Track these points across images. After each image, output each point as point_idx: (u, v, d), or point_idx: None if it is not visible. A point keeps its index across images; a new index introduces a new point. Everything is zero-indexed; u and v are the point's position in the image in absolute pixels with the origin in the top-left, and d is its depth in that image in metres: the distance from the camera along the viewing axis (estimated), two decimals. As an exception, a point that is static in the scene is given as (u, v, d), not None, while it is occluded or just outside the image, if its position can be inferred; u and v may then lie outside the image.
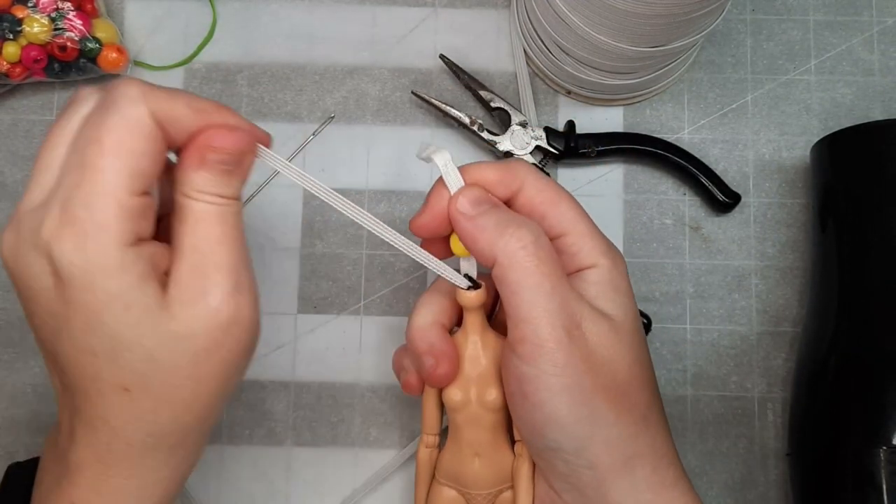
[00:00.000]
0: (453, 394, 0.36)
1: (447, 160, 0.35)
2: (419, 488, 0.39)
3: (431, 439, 0.38)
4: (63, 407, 0.32)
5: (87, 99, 0.30)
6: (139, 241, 0.29)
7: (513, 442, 0.37)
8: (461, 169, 0.35)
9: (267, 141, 0.32)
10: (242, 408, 0.45)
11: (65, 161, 0.29)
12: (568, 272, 0.34)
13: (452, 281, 0.35)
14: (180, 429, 0.31)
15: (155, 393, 0.29)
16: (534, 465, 0.36)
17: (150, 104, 0.28)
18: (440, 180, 0.35)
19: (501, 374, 0.35)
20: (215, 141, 0.30)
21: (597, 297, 0.34)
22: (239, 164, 0.31)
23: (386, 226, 0.34)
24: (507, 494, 0.37)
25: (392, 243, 0.34)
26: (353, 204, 0.33)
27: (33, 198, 0.29)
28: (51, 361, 0.31)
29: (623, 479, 0.32)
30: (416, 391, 0.37)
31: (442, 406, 0.38)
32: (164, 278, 0.29)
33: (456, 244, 0.35)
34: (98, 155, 0.27)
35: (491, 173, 0.35)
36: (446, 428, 0.38)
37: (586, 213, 0.35)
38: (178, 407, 0.30)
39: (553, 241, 0.34)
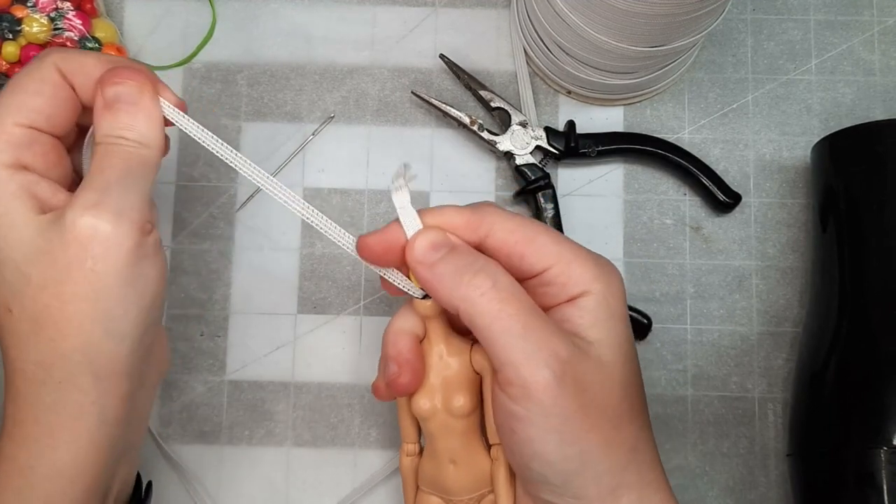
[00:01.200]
0: (421, 403, 0.36)
1: (405, 202, 0.33)
2: (407, 496, 0.39)
3: (411, 447, 0.38)
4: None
5: None
6: (23, 168, 0.32)
7: (488, 445, 0.37)
8: (425, 211, 0.34)
9: (169, 96, 0.35)
10: (242, 408, 0.45)
11: None
12: (560, 302, 0.33)
13: (405, 290, 0.35)
14: (60, 358, 0.31)
15: (29, 313, 0.31)
16: (511, 470, 0.35)
17: (58, 60, 0.33)
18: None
19: (491, 404, 0.34)
20: (110, 77, 0.33)
21: (592, 326, 0.32)
22: (135, 103, 0.33)
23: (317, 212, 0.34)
24: (490, 499, 0.37)
25: (322, 230, 0.34)
26: (241, 158, 0.36)
27: None
28: None
29: None
30: (383, 397, 0.37)
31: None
32: (47, 207, 0.32)
33: (414, 278, 0.34)
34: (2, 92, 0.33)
35: (456, 217, 0.34)
36: None
37: (568, 240, 0.34)
38: (51, 329, 0.31)
39: (539, 276, 0.33)
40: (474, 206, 0.34)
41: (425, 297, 0.35)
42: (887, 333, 0.39)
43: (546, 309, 0.33)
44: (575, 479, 0.32)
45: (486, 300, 0.31)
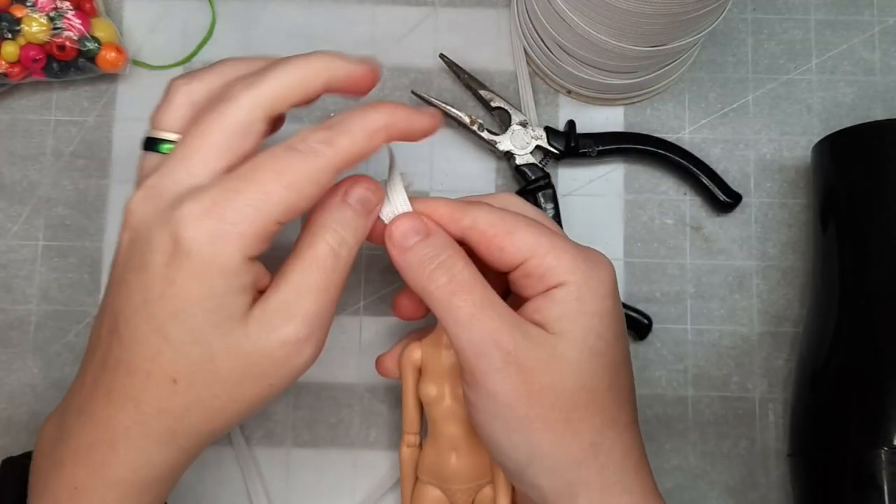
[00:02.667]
0: (429, 389, 0.37)
1: (398, 185, 0.35)
2: (404, 487, 0.39)
3: (412, 438, 0.39)
4: (82, 386, 0.32)
5: (247, 95, 0.31)
6: (255, 258, 0.30)
7: None
8: (414, 200, 0.35)
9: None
10: (242, 408, 0.45)
11: (241, 166, 0.30)
12: (537, 293, 0.33)
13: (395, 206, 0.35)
14: (196, 435, 0.32)
15: (196, 394, 0.30)
16: None
17: (338, 159, 0.31)
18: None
19: None
20: (362, 181, 0.33)
21: (558, 319, 0.33)
22: (370, 212, 0.33)
23: None
24: (488, 489, 0.38)
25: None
26: None
27: (179, 179, 0.30)
28: (105, 332, 0.31)
29: (566, 502, 0.32)
30: (409, 312, 0.38)
31: (420, 403, 0.39)
32: (257, 295, 0.31)
33: None
34: (269, 177, 0.30)
35: (442, 209, 0.35)
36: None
37: (550, 233, 0.34)
38: (206, 414, 0.31)
39: (519, 268, 0.34)
40: (460, 200, 0.35)
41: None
42: (888, 333, 0.39)
43: (525, 299, 0.34)
44: (526, 468, 0.32)
45: (440, 293, 0.33)
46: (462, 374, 0.33)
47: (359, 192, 0.33)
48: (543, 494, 0.33)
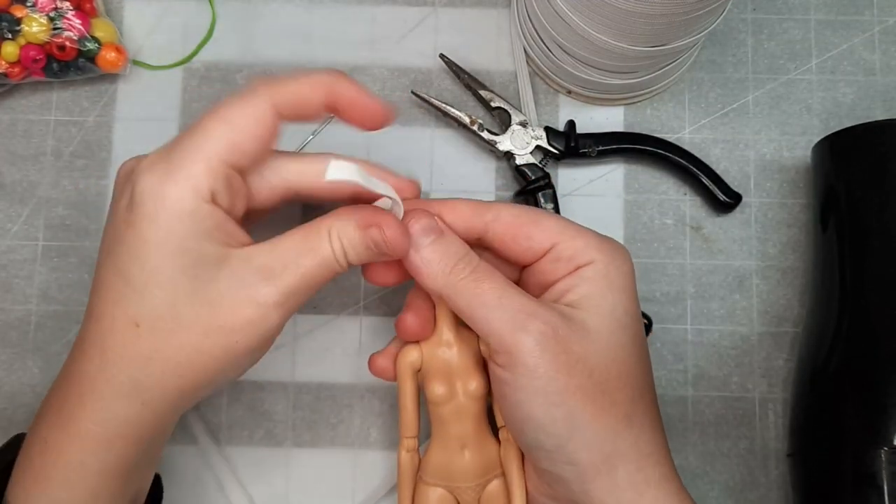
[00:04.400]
0: (437, 389, 0.37)
1: (361, 175, 0.32)
2: (403, 493, 0.39)
3: (412, 442, 0.39)
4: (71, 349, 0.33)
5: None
6: (215, 203, 0.31)
7: (495, 429, 0.38)
8: (440, 203, 0.36)
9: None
10: (241, 408, 0.45)
11: None
12: (565, 274, 0.35)
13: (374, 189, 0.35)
14: (161, 389, 0.31)
15: (158, 340, 0.31)
16: (520, 450, 0.37)
17: (274, 96, 0.32)
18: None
19: (488, 375, 0.36)
20: (388, 229, 0.33)
21: (586, 295, 0.34)
22: (382, 253, 0.33)
23: None
24: (495, 483, 0.38)
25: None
26: None
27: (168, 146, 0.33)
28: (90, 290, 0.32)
29: (604, 476, 0.33)
30: (379, 367, 0.39)
31: (418, 406, 0.38)
32: (231, 250, 0.31)
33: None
34: (210, 120, 0.31)
35: (463, 205, 0.36)
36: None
37: (573, 222, 0.36)
38: (170, 365, 0.31)
39: (547, 254, 0.35)
40: (481, 200, 0.37)
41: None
42: (888, 333, 0.39)
43: (552, 283, 0.35)
44: (566, 443, 0.33)
45: (465, 283, 0.34)
46: (494, 357, 0.34)
47: (386, 233, 0.33)
48: (581, 471, 0.33)
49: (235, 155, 0.31)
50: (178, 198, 0.30)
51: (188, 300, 0.31)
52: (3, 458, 0.34)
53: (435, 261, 0.34)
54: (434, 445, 0.38)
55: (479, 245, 0.36)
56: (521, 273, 0.37)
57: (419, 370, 0.38)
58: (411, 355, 0.38)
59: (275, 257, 0.32)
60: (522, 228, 0.35)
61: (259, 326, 0.32)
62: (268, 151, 0.33)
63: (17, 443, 0.34)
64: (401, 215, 0.35)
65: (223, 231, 0.31)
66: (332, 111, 0.34)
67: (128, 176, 0.32)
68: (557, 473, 0.34)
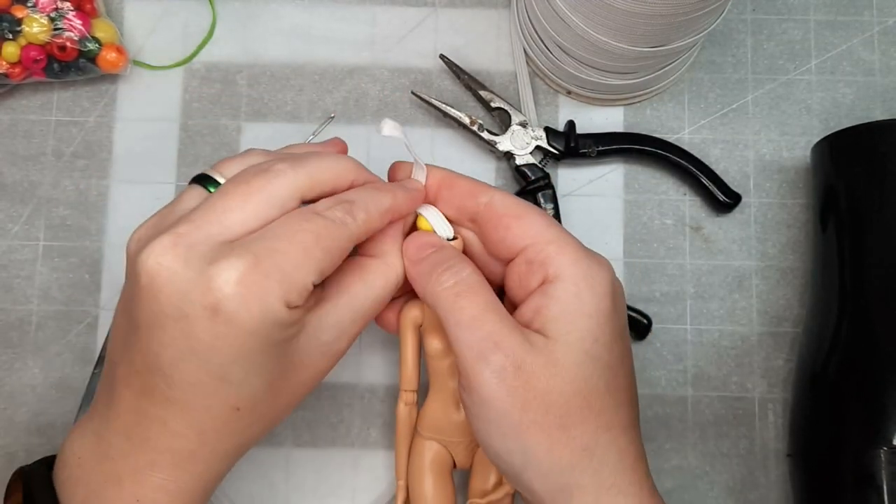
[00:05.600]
0: (434, 343, 0.38)
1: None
2: (401, 446, 0.40)
3: (411, 396, 0.40)
4: (119, 412, 0.32)
5: (293, 173, 0.32)
6: (298, 307, 0.32)
7: None
8: (442, 174, 0.37)
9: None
10: (242, 408, 0.45)
11: (272, 224, 0.31)
12: (535, 287, 0.34)
13: (436, 228, 0.37)
14: (257, 439, 0.34)
15: (258, 413, 0.32)
16: None
17: (360, 232, 0.33)
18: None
19: None
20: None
21: (555, 320, 0.33)
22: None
23: None
24: None
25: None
26: None
27: (212, 232, 0.31)
28: (142, 368, 0.31)
29: None
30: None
31: (419, 361, 0.39)
32: (305, 318, 0.33)
33: (422, 222, 0.37)
34: (313, 244, 0.31)
35: (463, 182, 0.37)
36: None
37: (558, 226, 0.35)
38: (268, 424, 0.34)
39: (521, 253, 0.35)
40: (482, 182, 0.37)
41: (451, 240, 0.37)
42: (887, 334, 0.39)
43: (527, 295, 0.34)
44: (521, 474, 0.33)
45: (446, 294, 0.34)
46: (459, 379, 0.34)
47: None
48: (539, 498, 0.33)
49: (320, 279, 0.32)
50: (277, 312, 0.30)
51: (281, 375, 0.32)
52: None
53: (425, 271, 0.35)
54: (431, 399, 0.39)
55: (472, 226, 0.37)
56: (505, 268, 0.37)
57: (421, 325, 0.38)
58: (413, 311, 0.38)
59: (344, 312, 0.34)
60: (503, 219, 0.35)
61: (330, 358, 0.34)
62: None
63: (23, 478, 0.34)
64: (423, 177, 0.37)
65: (301, 313, 0.32)
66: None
67: (195, 274, 0.30)
68: (519, 491, 0.34)
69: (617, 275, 0.35)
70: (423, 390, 0.40)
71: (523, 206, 0.36)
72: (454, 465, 0.40)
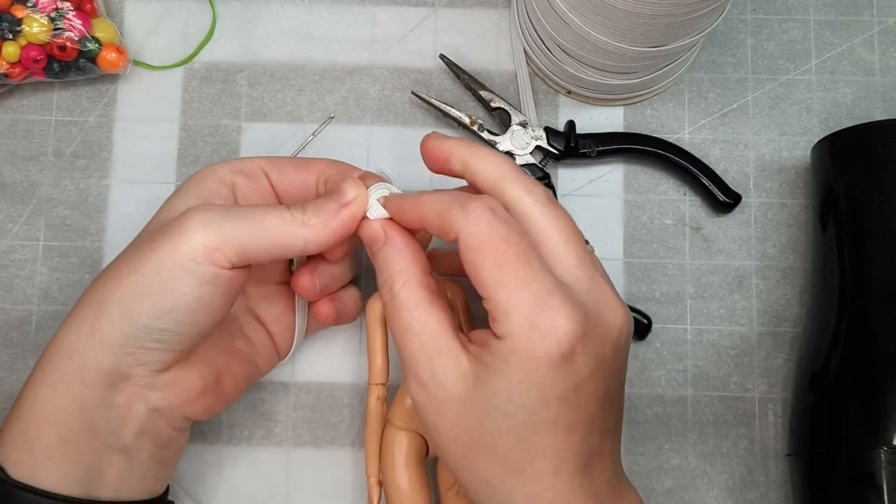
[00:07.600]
0: None
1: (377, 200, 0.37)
2: (371, 440, 0.40)
3: (381, 390, 0.40)
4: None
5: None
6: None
7: None
8: (411, 202, 0.36)
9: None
10: (241, 408, 0.45)
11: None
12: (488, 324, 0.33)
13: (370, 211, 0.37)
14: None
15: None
16: None
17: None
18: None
19: None
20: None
21: (495, 369, 0.32)
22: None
23: None
24: None
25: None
26: None
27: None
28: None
29: None
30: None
31: (387, 353, 0.40)
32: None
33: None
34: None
35: (431, 213, 0.34)
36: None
37: (523, 263, 0.31)
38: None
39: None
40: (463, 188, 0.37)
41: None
42: (887, 333, 0.39)
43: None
44: (461, 479, 0.34)
45: (390, 300, 0.34)
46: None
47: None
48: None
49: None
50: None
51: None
52: None
53: (378, 266, 0.35)
54: (405, 389, 0.39)
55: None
56: None
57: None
58: (379, 304, 0.39)
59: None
60: (467, 267, 0.32)
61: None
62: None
63: None
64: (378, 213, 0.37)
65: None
66: None
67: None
68: None
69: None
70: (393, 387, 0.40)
71: (487, 250, 0.32)
72: (427, 454, 0.40)
